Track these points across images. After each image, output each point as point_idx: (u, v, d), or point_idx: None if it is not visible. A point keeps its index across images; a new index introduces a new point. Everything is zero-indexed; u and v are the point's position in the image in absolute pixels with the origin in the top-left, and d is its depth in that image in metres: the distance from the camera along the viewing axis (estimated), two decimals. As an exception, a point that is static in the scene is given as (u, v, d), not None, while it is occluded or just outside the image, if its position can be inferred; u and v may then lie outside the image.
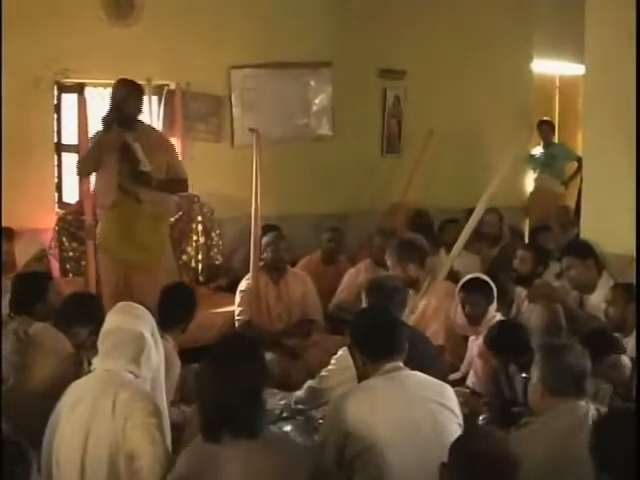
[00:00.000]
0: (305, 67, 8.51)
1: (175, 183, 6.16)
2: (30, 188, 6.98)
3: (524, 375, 4.19)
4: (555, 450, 3.20)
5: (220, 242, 7.61)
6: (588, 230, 6.33)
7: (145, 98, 7.45)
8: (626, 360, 4.39)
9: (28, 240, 6.76)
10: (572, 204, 9.49)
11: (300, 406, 4.69)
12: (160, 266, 6.22)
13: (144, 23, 7.50)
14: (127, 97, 5.86)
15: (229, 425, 3.03)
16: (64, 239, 6.90)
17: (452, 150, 9.05)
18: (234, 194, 7.49)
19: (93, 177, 6.16)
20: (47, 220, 7.02)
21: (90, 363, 3.73)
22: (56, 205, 7.41)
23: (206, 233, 7.51)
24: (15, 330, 4.43)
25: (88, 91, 7.30)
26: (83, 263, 6.67)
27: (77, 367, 4.22)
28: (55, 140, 7.40)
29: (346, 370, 4.05)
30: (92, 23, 7.26)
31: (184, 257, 7.46)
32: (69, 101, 7.39)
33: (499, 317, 5.31)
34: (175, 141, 7.81)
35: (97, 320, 3.81)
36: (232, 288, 6.81)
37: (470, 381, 5.25)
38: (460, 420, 3.65)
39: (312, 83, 8.64)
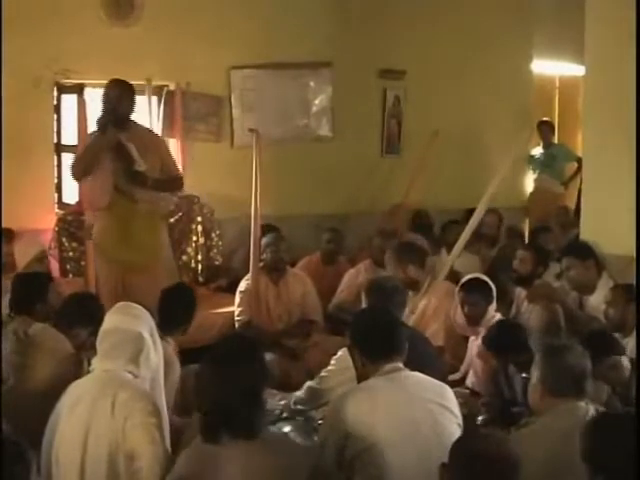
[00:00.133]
0: (305, 67, 8.51)
1: (170, 181, 6.16)
2: (30, 188, 6.98)
3: (524, 375, 4.19)
4: (555, 451, 3.20)
5: (220, 242, 7.61)
6: (588, 231, 6.33)
7: (144, 98, 7.52)
8: (626, 361, 4.39)
9: (28, 241, 6.76)
10: (572, 204, 9.50)
11: (300, 407, 4.69)
12: (158, 266, 6.21)
13: (144, 23, 7.50)
14: (120, 97, 5.86)
15: (228, 426, 3.03)
16: (64, 239, 6.90)
17: (452, 150, 9.04)
18: (234, 194, 7.49)
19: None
20: (47, 220, 7.02)
21: (90, 363, 3.73)
22: (56, 205, 7.40)
23: (206, 234, 7.51)
24: (15, 330, 4.44)
25: (88, 92, 7.29)
26: (83, 263, 6.67)
27: (77, 367, 4.22)
28: (55, 141, 7.40)
29: (346, 371, 4.05)
30: (92, 23, 7.26)
31: (184, 257, 7.47)
32: (69, 102, 7.39)
33: (498, 317, 5.31)
34: (175, 141, 7.83)
35: (97, 320, 3.80)
36: (232, 288, 6.81)
37: (469, 381, 5.25)
38: (460, 421, 3.65)
39: (312, 84, 8.64)
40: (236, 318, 6.50)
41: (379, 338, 3.66)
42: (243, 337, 3.32)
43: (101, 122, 5.81)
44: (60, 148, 7.39)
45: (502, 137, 9.00)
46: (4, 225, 6.24)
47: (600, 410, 3.50)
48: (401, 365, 3.63)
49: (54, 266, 6.88)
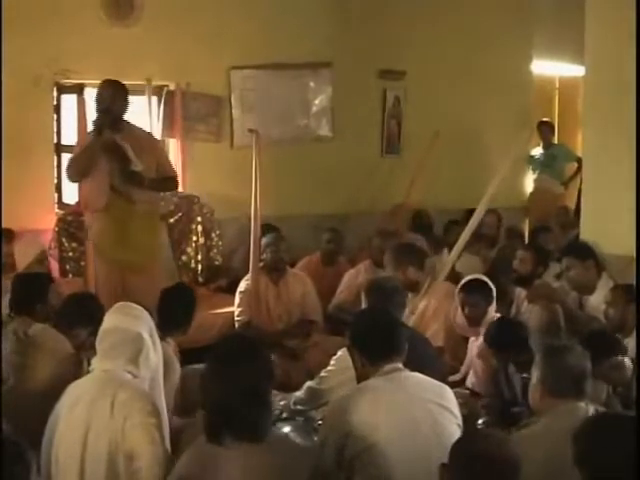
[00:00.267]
0: (305, 68, 8.51)
1: (166, 181, 6.17)
2: (30, 189, 6.98)
3: (524, 375, 4.19)
4: (555, 451, 3.19)
5: (220, 243, 7.61)
6: (588, 231, 6.33)
7: (144, 98, 7.53)
8: (627, 362, 4.39)
9: (28, 241, 6.76)
10: (572, 205, 9.50)
11: (299, 407, 4.69)
12: (157, 266, 6.22)
13: (144, 24, 7.50)
14: (113, 97, 5.86)
15: (231, 427, 3.01)
16: (64, 240, 6.90)
17: (452, 150, 9.04)
18: (234, 195, 7.49)
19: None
20: (47, 221, 7.02)
21: (90, 364, 3.73)
22: (56, 206, 7.40)
23: (206, 234, 7.51)
24: (15, 331, 4.44)
25: (88, 92, 7.29)
26: (82, 264, 6.67)
27: (77, 368, 4.22)
28: (55, 141, 7.40)
29: (346, 371, 4.05)
30: (92, 23, 7.26)
31: (184, 258, 7.47)
32: (69, 102, 7.39)
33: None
34: (175, 142, 7.84)
35: (97, 320, 3.80)
36: (232, 289, 6.81)
37: (470, 382, 5.25)
38: (459, 421, 3.65)
39: (312, 84, 8.64)
40: (236, 318, 6.50)
41: (379, 339, 3.66)
42: (248, 337, 3.30)
43: (98, 124, 5.81)
44: (60, 148, 7.39)
45: (502, 137, 9.00)
46: (4, 225, 6.25)
47: (600, 411, 3.51)
48: (401, 366, 3.63)
49: (54, 266, 6.88)
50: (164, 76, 7.72)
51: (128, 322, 3.65)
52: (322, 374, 4.64)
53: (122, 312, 3.74)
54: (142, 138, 6.11)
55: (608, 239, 6.04)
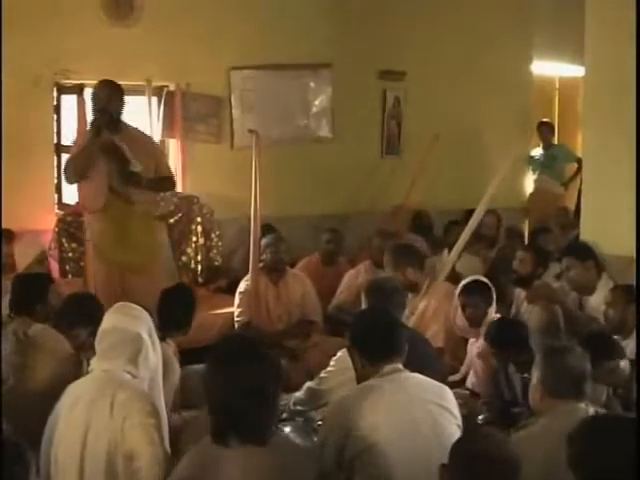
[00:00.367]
0: (305, 68, 8.51)
1: (163, 181, 6.17)
2: (30, 189, 6.98)
3: (524, 375, 4.19)
4: (554, 452, 3.18)
5: (220, 243, 7.60)
6: (588, 231, 6.33)
7: (144, 99, 7.53)
8: (625, 364, 4.38)
9: (28, 241, 6.76)
10: (572, 205, 9.50)
11: (299, 407, 4.68)
12: (156, 266, 6.21)
13: (144, 24, 7.50)
14: (110, 98, 5.86)
15: (236, 428, 2.99)
16: (63, 240, 6.90)
17: (452, 151, 9.04)
18: (234, 195, 7.49)
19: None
20: (47, 221, 7.02)
21: (89, 364, 3.73)
22: (56, 206, 7.40)
23: (206, 234, 7.50)
24: (15, 331, 4.44)
25: (87, 92, 7.27)
26: (82, 264, 6.67)
27: (77, 368, 4.22)
28: (55, 141, 7.40)
29: (346, 371, 4.04)
30: (92, 24, 7.26)
31: (184, 258, 7.47)
32: (69, 102, 7.39)
33: (499, 318, 5.31)
34: (175, 142, 7.84)
35: (97, 321, 3.80)
36: (232, 289, 6.81)
37: (470, 382, 5.25)
38: (459, 422, 3.65)
39: (312, 84, 8.64)
40: (236, 319, 6.50)
41: (379, 339, 3.66)
42: (255, 339, 3.28)
43: (94, 124, 5.80)
44: (60, 148, 7.39)
45: (502, 138, 9.02)
46: (4, 226, 6.24)
47: (600, 412, 3.51)
48: (401, 366, 3.63)
49: (54, 267, 6.88)
50: (164, 76, 7.72)
51: (127, 322, 3.65)
52: (322, 375, 4.64)
53: (121, 312, 3.74)
54: (139, 138, 6.10)
55: (608, 239, 6.03)
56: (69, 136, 7.28)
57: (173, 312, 4.96)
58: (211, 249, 7.56)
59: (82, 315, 4.50)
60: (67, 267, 6.91)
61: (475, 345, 5.26)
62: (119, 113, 5.94)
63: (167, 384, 4.29)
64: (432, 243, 7.77)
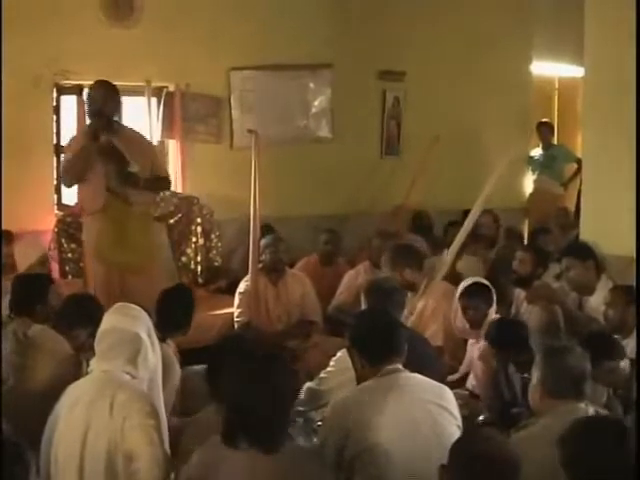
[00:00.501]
0: (304, 69, 8.51)
1: (159, 181, 6.18)
2: (30, 189, 6.98)
3: (524, 375, 4.19)
4: (554, 452, 3.19)
5: (219, 244, 7.60)
6: (588, 231, 6.33)
7: (144, 99, 7.53)
8: (624, 365, 4.38)
9: (28, 242, 6.76)
10: (571, 206, 9.49)
11: (299, 408, 4.67)
12: (155, 266, 6.21)
13: (143, 25, 7.49)
14: (106, 99, 5.85)
15: (247, 431, 2.98)
16: (63, 241, 6.89)
17: (452, 151, 9.03)
18: (233, 195, 7.48)
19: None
20: (47, 222, 7.02)
21: (89, 364, 3.73)
22: (55, 207, 7.39)
23: (205, 235, 7.50)
24: (15, 331, 4.44)
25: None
26: (82, 265, 6.66)
27: (76, 368, 4.22)
28: (54, 142, 7.39)
29: (345, 372, 4.04)
30: (91, 24, 7.26)
31: (183, 259, 7.46)
32: (68, 103, 7.39)
33: (499, 318, 5.31)
34: (175, 143, 7.84)
35: (97, 321, 3.80)
36: (231, 290, 6.81)
37: (469, 384, 5.25)
38: (459, 422, 3.66)
39: (311, 85, 8.64)
40: (235, 319, 6.50)
41: (379, 340, 3.66)
42: (280, 352, 3.26)
43: (92, 127, 5.80)
44: (59, 149, 7.38)
45: (501, 138, 9.02)
46: (4, 226, 6.24)
47: (600, 412, 3.51)
48: (401, 367, 3.63)
49: (53, 267, 6.87)
50: (163, 77, 7.72)
51: (126, 323, 3.65)
52: (322, 375, 4.64)
53: (120, 313, 3.73)
54: (134, 139, 6.10)
55: (608, 240, 6.03)
56: (68, 137, 7.28)
57: (172, 312, 4.96)
58: (211, 250, 7.55)
59: (82, 316, 4.50)
60: (67, 268, 6.90)
61: (475, 346, 5.26)
62: (115, 113, 5.95)
63: (168, 385, 4.29)
64: (432, 243, 7.77)
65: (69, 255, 6.89)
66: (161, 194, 6.83)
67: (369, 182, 8.81)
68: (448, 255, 6.25)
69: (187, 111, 7.84)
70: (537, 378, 3.52)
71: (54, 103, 7.38)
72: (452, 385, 4.42)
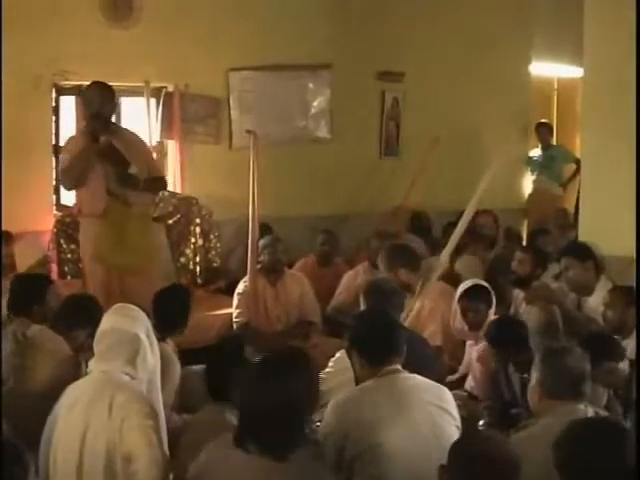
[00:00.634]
0: (303, 69, 8.52)
1: (156, 182, 6.17)
2: (29, 190, 6.97)
3: (524, 376, 4.18)
4: (554, 453, 3.20)
5: (218, 244, 7.60)
6: (587, 232, 6.33)
7: (143, 100, 7.53)
8: (623, 366, 4.38)
9: (27, 242, 6.75)
10: (571, 206, 9.50)
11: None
12: (153, 268, 6.21)
13: (142, 25, 7.49)
14: (104, 101, 5.85)
15: (258, 436, 2.95)
16: (62, 241, 6.89)
17: (451, 152, 9.04)
18: (233, 196, 7.48)
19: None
20: (46, 222, 7.02)
21: (88, 365, 3.72)
22: (54, 207, 7.39)
23: (204, 235, 7.50)
24: (14, 332, 4.43)
25: (86, 93, 7.29)
26: (81, 265, 6.65)
27: (75, 369, 4.21)
28: (53, 142, 7.39)
29: (345, 372, 4.04)
30: (90, 25, 7.25)
31: (182, 259, 7.46)
32: (67, 103, 7.39)
33: (498, 319, 5.30)
34: (173, 143, 7.84)
35: (96, 322, 3.79)
36: (230, 290, 6.80)
37: (468, 385, 5.24)
38: (458, 423, 3.65)
39: (310, 85, 8.64)
40: (234, 320, 6.50)
41: (378, 340, 3.66)
42: (307, 359, 3.21)
43: (93, 130, 5.79)
44: (58, 150, 7.37)
45: (501, 138, 9.01)
46: (3, 227, 6.23)
47: (599, 413, 3.51)
48: (400, 367, 3.63)
49: (52, 268, 6.87)
50: (162, 78, 7.72)
51: (125, 323, 3.64)
52: (321, 376, 4.63)
53: (120, 313, 3.73)
54: (132, 140, 6.10)
55: (607, 240, 6.03)
56: (67, 137, 7.27)
57: (168, 312, 4.95)
58: (210, 250, 7.55)
59: (81, 316, 4.49)
60: (66, 268, 6.91)
61: (474, 348, 5.26)
62: (112, 115, 5.95)
63: (168, 382, 4.29)
64: (430, 244, 7.77)
65: (68, 256, 6.89)
66: (160, 195, 6.83)
67: (368, 183, 8.81)
68: (443, 255, 6.24)
69: (186, 112, 7.84)
70: (536, 379, 3.52)
71: (53, 103, 7.38)
72: (451, 386, 4.42)
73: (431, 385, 3.68)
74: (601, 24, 6.19)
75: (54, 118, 7.41)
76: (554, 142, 10.38)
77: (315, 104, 8.68)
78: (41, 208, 7.17)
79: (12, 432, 3.32)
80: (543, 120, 10.25)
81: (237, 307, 6.51)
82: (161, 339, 4.11)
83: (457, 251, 6.77)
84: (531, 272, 6.44)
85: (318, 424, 4.13)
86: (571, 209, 9.32)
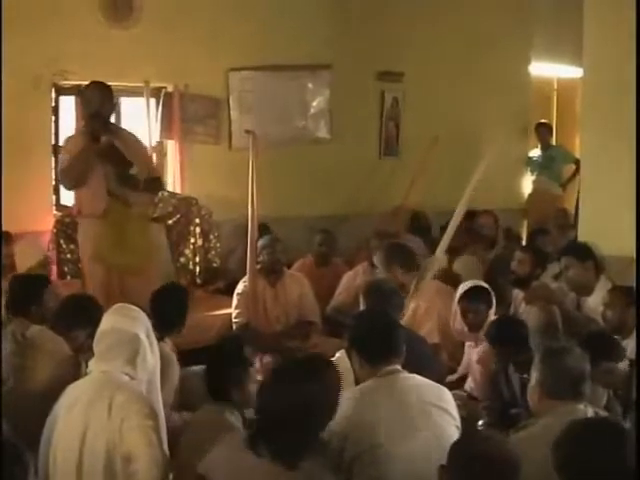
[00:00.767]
0: (303, 69, 8.52)
1: (154, 182, 6.18)
2: (28, 190, 6.97)
3: (524, 376, 4.18)
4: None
5: (218, 244, 7.59)
6: (586, 232, 6.33)
7: (142, 100, 7.53)
8: (623, 366, 4.37)
9: (27, 243, 6.74)
10: (570, 206, 9.50)
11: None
12: (153, 267, 6.21)
13: (142, 25, 7.49)
14: (103, 101, 5.85)
15: (269, 440, 2.94)
16: (61, 241, 6.88)
17: (450, 152, 9.04)
18: (232, 196, 7.47)
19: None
20: (46, 222, 7.01)
21: (87, 365, 3.72)
22: (54, 207, 7.39)
23: (204, 235, 7.49)
24: (13, 332, 4.43)
25: (86, 93, 7.29)
26: (80, 265, 6.65)
27: (75, 369, 4.21)
28: (53, 142, 7.38)
29: (344, 372, 4.04)
30: (90, 25, 7.25)
31: (182, 259, 7.45)
32: (67, 103, 7.39)
33: (498, 319, 5.30)
34: (173, 143, 7.83)
35: (95, 322, 3.79)
36: (230, 290, 6.80)
37: (468, 386, 5.24)
38: (458, 423, 3.65)
39: (310, 85, 8.64)
40: (234, 320, 6.49)
41: (378, 341, 3.66)
42: (326, 364, 3.20)
43: (91, 129, 5.79)
44: (58, 149, 7.37)
45: (500, 139, 9.00)
46: (3, 227, 6.23)
47: (599, 413, 3.50)
48: (399, 367, 3.63)
49: (52, 269, 6.86)
50: (162, 78, 7.72)
51: (125, 323, 3.64)
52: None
53: (119, 313, 3.73)
54: (131, 140, 6.11)
55: (607, 240, 6.03)
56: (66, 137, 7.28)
57: (166, 311, 4.94)
58: (209, 250, 7.55)
59: (80, 316, 4.49)
60: (65, 268, 6.90)
61: (473, 350, 5.25)
62: (111, 115, 5.96)
63: (167, 382, 4.28)
64: (430, 244, 7.76)
65: (68, 256, 6.88)
66: (160, 195, 6.83)
67: (368, 183, 8.81)
68: (436, 254, 6.24)
69: (186, 112, 7.84)
70: (536, 379, 3.52)
71: (53, 103, 7.37)
72: (451, 386, 4.42)
73: (431, 385, 3.68)
74: (601, 24, 6.19)
75: (54, 118, 7.40)
76: (554, 142, 10.39)
77: (315, 104, 8.69)
78: (41, 208, 7.17)
79: (12, 432, 3.32)
80: (543, 120, 10.26)
81: (236, 307, 6.51)
82: (159, 339, 4.10)
83: (457, 251, 6.77)
84: (531, 272, 6.44)
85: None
86: (571, 209, 9.32)
